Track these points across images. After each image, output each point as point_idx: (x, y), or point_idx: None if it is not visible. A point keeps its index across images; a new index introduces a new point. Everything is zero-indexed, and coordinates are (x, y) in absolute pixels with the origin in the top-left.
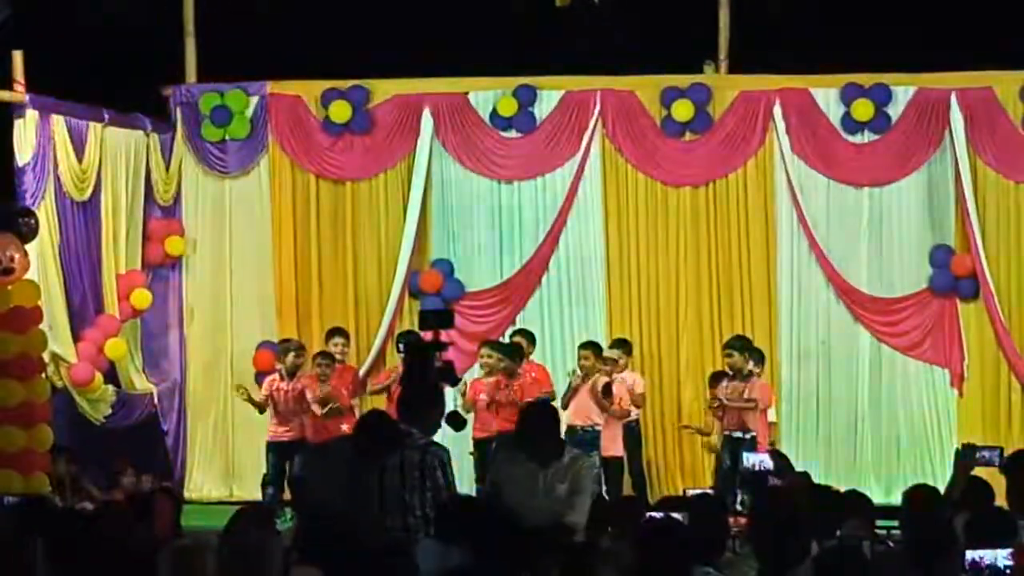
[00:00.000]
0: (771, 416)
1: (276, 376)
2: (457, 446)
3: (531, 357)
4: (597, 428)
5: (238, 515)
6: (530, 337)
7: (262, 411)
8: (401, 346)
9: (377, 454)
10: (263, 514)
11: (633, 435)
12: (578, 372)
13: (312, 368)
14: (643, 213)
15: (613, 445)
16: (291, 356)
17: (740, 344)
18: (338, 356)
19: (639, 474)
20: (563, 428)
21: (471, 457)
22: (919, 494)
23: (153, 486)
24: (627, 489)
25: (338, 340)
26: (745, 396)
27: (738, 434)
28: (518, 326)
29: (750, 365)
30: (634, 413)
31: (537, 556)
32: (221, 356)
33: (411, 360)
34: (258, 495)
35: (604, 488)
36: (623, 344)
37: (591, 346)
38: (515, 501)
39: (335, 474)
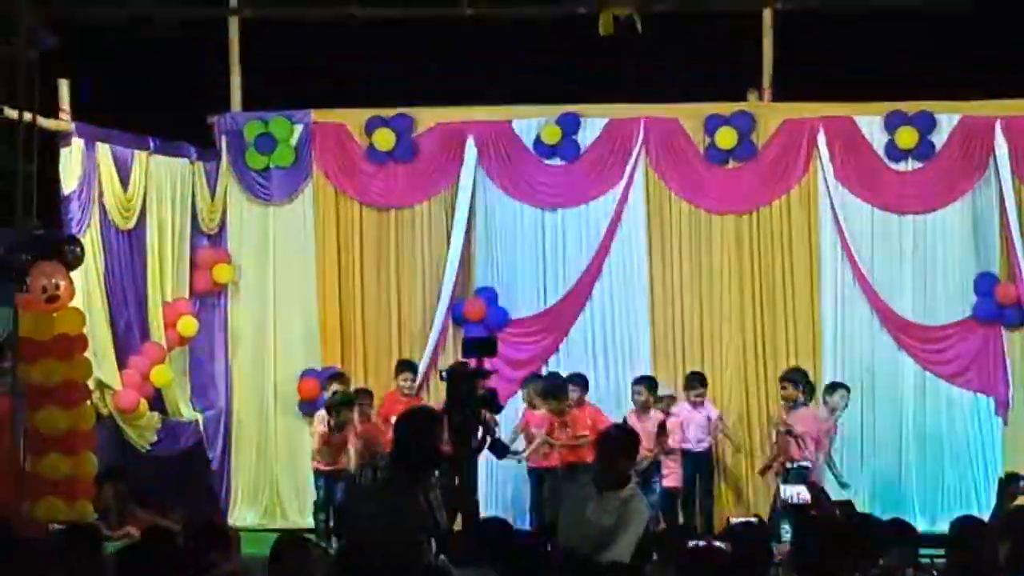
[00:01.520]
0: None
1: (325, 428)
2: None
3: (586, 399)
4: (658, 460)
5: (281, 542)
6: (583, 382)
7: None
8: (443, 374)
9: (415, 474)
10: (305, 541)
11: (707, 464)
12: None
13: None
14: (686, 241)
15: (672, 476)
16: (344, 412)
17: (797, 376)
18: (406, 390)
19: (707, 502)
20: None
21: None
22: (966, 525)
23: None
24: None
25: (407, 375)
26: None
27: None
28: (564, 354)
29: (802, 397)
30: (707, 442)
31: None
32: (266, 384)
33: (454, 388)
34: (302, 522)
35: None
36: (698, 377)
37: (645, 380)
38: (564, 522)
39: (375, 498)
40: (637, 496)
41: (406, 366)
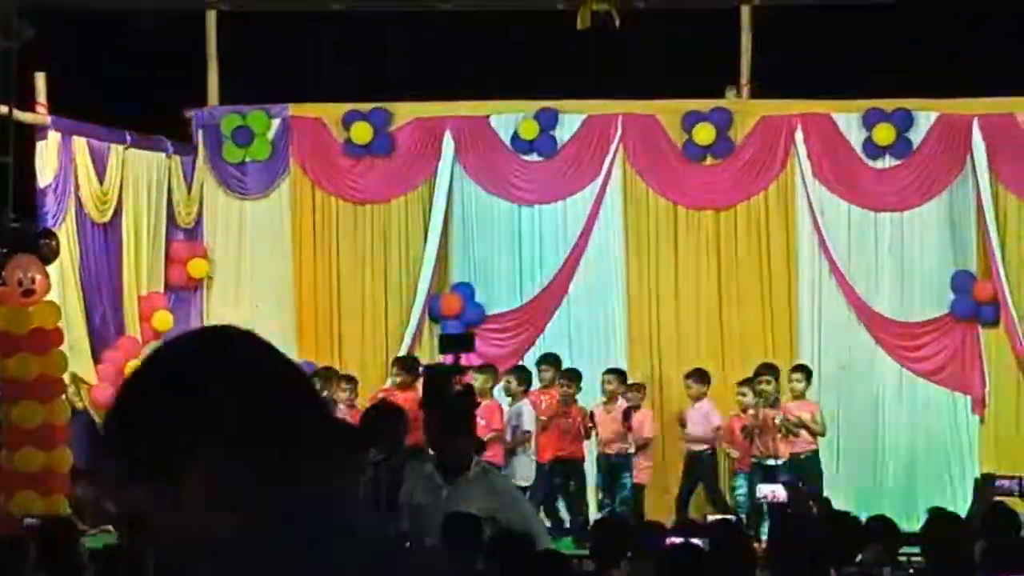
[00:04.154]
0: None
1: None
2: None
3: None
4: (629, 453)
5: None
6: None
7: None
8: (421, 370)
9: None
10: None
11: (708, 464)
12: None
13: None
14: (664, 237)
15: (640, 472)
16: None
17: (775, 372)
18: (398, 383)
19: (722, 502)
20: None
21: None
22: (939, 520)
23: None
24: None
25: (395, 369)
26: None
27: (770, 461)
28: (541, 349)
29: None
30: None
31: None
32: None
33: (429, 385)
34: None
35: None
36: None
37: (615, 372)
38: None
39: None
40: (491, 473)
41: (396, 361)
